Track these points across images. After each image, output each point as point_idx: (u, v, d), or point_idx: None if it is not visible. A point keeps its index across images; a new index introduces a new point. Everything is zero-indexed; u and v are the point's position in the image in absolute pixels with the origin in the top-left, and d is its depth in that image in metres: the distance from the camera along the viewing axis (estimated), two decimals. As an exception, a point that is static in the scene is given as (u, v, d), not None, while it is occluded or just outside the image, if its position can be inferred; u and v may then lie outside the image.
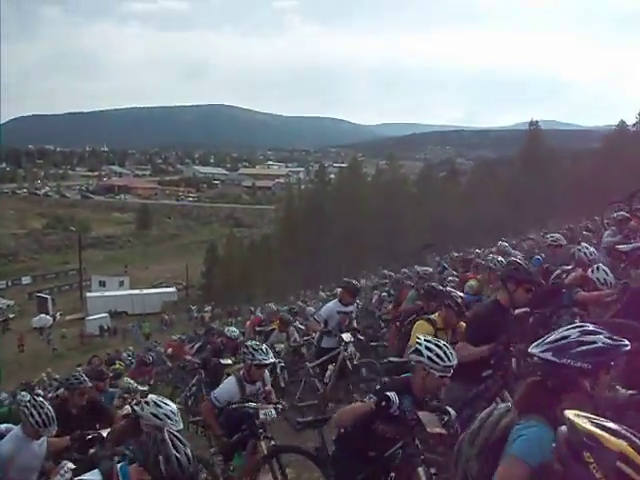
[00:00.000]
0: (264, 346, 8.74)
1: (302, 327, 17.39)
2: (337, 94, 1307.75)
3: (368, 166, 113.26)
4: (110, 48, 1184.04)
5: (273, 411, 8.41)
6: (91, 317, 71.32)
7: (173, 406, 6.31)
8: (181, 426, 6.17)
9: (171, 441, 3.99)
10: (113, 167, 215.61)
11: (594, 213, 26.57)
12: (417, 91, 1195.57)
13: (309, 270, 75.34)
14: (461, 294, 9.59)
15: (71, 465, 7.08)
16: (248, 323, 25.08)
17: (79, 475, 7.69)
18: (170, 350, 30.65)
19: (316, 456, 7.88)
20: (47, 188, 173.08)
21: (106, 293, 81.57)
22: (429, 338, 6.35)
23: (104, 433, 7.95)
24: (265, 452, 8.30)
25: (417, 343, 6.16)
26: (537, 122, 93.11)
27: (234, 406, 8.56)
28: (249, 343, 8.85)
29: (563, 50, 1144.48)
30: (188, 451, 4.03)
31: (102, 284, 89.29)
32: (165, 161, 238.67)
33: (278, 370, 14.17)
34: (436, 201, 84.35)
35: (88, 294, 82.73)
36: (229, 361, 13.60)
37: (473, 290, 11.89)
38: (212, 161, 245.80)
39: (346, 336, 11.99)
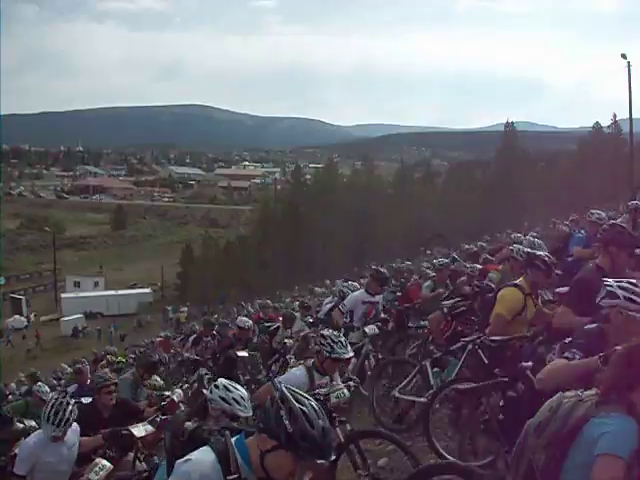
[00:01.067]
0: (343, 338, 7.96)
1: (312, 321, 16.92)
2: (313, 95, 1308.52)
3: (344, 167, 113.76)
4: (86, 47, 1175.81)
5: (346, 391, 7.54)
6: (66, 318, 71.01)
7: (243, 391, 6.22)
8: (250, 413, 6.14)
9: (292, 395, 3.49)
10: (88, 167, 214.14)
11: (569, 213, 26.82)
12: (393, 92, 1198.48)
13: (285, 270, 75.43)
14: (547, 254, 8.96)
15: (105, 462, 7.12)
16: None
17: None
18: (160, 348, 30.57)
19: (399, 440, 7.63)
20: (21, 188, 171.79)
21: (81, 294, 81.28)
22: (620, 280, 5.35)
23: (135, 430, 7.92)
24: (342, 439, 7.50)
25: (607, 286, 5.24)
26: (512, 123, 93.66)
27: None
28: (327, 333, 7.99)
29: (539, 53, 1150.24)
30: (314, 404, 3.51)
31: (77, 285, 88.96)
32: (140, 161, 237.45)
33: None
34: (412, 202, 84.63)
35: (63, 295, 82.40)
36: (244, 353, 13.14)
37: (494, 282, 11.28)
38: (188, 161, 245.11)
39: (369, 328, 11.37)
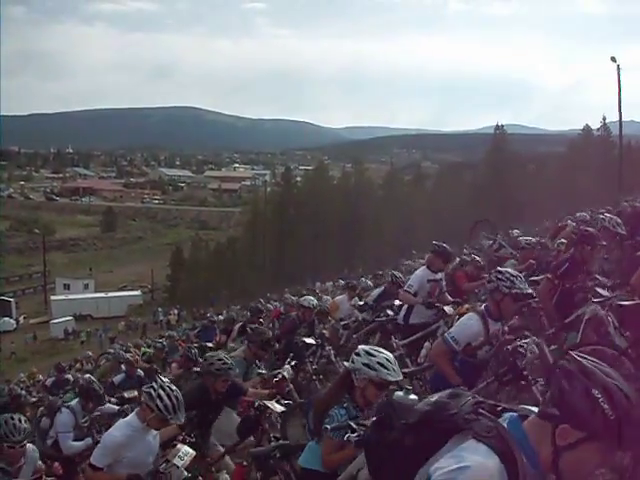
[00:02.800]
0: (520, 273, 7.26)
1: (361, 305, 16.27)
2: (303, 97, 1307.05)
3: (334, 169, 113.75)
4: (76, 49, 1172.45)
5: (534, 347, 6.83)
6: (56, 320, 70.88)
7: (388, 353, 5.81)
8: (401, 376, 5.81)
9: (596, 367, 2.58)
10: (78, 169, 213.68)
11: (559, 216, 26.96)
12: (383, 94, 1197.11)
13: (275, 273, 75.50)
14: None
15: (188, 449, 6.88)
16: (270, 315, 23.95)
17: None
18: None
19: None
20: (11, 190, 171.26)
21: (71, 296, 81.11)
22: None
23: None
24: None
25: None
26: (503, 126, 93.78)
27: (487, 350, 7.18)
28: (502, 269, 7.32)
29: (528, 55, 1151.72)
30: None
31: (66, 287, 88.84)
32: (130, 163, 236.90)
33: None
34: (402, 204, 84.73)
35: (52, 297, 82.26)
36: (311, 340, 12.09)
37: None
38: (178, 163, 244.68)
39: (448, 308, 10.79)
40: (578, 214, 16.81)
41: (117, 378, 14.03)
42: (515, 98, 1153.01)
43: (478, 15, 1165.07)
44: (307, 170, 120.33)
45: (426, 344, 10.66)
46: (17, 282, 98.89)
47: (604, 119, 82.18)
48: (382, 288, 14.40)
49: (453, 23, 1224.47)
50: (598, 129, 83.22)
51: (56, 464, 7.32)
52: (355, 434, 5.35)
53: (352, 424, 5.46)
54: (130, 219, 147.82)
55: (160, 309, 72.82)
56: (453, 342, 7.12)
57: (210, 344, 14.74)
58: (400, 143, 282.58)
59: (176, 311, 68.69)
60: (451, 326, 9.54)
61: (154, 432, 6.72)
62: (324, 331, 13.51)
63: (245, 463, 7.90)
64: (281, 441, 7.99)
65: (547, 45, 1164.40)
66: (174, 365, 14.77)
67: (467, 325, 7.20)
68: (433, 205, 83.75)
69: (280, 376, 8.96)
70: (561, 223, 20.11)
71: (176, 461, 6.63)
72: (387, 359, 5.63)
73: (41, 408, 13.64)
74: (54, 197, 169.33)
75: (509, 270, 7.17)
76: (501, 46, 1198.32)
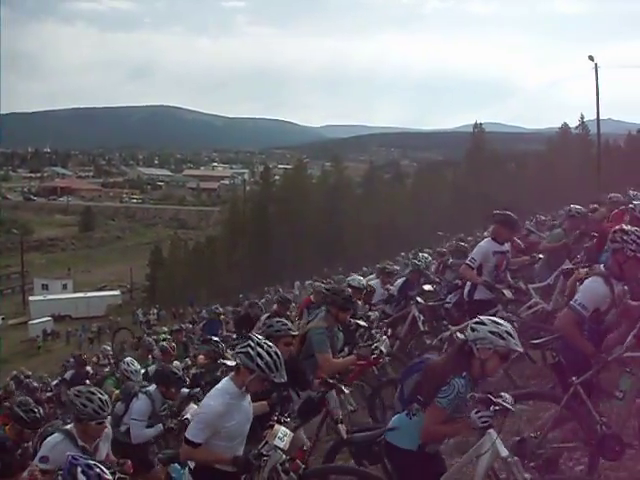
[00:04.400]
0: None
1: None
2: (282, 95, 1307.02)
3: (313, 168, 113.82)
4: (54, 48, 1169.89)
5: None
6: (34, 321, 70.47)
7: (506, 324, 5.51)
8: (521, 348, 5.57)
9: None
10: (56, 168, 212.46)
11: (536, 214, 26.99)
12: (362, 93, 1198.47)
13: (254, 271, 75.43)
14: None
15: (285, 429, 6.48)
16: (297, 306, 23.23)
17: None
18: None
19: None
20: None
21: (49, 296, 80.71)
22: None
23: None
24: None
25: None
26: (481, 124, 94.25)
27: (613, 313, 6.69)
28: (628, 228, 6.80)
29: (507, 54, 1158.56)
30: None
31: (45, 287, 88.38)
32: (109, 162, 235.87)
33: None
34: (381, 203, 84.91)
35: (31, 298, 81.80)
36: (364, 322, 11.05)
37: None
38: (156, 162, 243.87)
39: (507, 292, 10.33)
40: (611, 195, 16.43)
41: (151, 368, 13.47)
42: (494, 97, 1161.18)
43: (457, 14, 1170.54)
44: (286, 169, 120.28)
45: None
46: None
47: (582, 117, 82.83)
48: (404, 278, 13.99)
49: (432, 22, 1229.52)
50: (576, 127, 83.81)
51: (129, 462, 6.99)
52: (480, 415, 5.21)
53: (492, 398, 5.25)
54: (108, 219, 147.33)
55: (140, 310, 72.50)
56: (582, 309, 6.69)
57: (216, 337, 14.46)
58: (379, 141, 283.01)
59: (155, 311, 68.47)
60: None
61: (249, 398, 6.33)
62: (370, 313, 12.87)
63: (305, 447, 7.68)
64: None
65: (525, 44, 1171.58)
66: (201, 357, 14.49)
67: (593, 289, 6.77)
68: (413, 203, 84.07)
69: (378, 351, 8.72)
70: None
71: (277, 442, 6.29)
72: (511, 329, 5.44)
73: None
74: (32, 197, 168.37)
75: (637, 230, 6.68)
76: (480, 45, 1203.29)
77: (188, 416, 9.00)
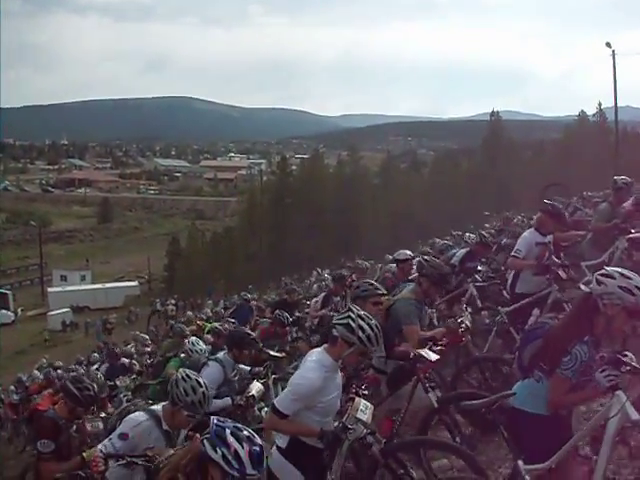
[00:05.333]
0: None
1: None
2: (299, 85, 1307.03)
3: (330, 157, 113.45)
4: (69, 40, 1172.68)
5: None
6: (53, 312, 70.78)
7: (638, 279, 5.03)
8: None
9: None
10: (73, 160, 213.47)
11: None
12: (379, 82, 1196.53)
13: (271, 261, 75.41)
14: None
15: (367, 402, 6.27)
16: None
17: None
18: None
19: None
20: (6, 182, 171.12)
21: (68, 288, 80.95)
22: None
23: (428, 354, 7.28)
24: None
25: None
26: (498, 112, 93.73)
27: None
28: None
29: (525, 41, 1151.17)
30: None
31: (63, 279, 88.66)
32: (126, 154, 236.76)
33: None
34: (398, 192, 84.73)
35: (50, 289, 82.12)
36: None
37: None
38: (173, 153, 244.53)
39: (562, 272, 10.04)
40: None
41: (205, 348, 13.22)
42: (511, 84, 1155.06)
43: (473, 2, 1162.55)
44: (303, 159, 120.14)
45: (535, 311, 9.87)
46: (14, 274, 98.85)
47: (600, 105, 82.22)
48: (467, 249, 13.49)
49: (448, 10, 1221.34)
50: (594, 115, 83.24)
51: (197, 435, 6.76)
52: (606, 374, 4.95)
53: (622, 358, 4.98)
54: (126, 210, 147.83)
55: (158, 300, 72.65)
56: None
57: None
58: (396, 131, 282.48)
59: (173, 301, 68.56)
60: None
61: (339, 372, 6.23)
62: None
63: (394, 417, 7.53)
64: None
65: (542, 31, 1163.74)
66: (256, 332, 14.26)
67: None
68: (430, 192, 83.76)
69: (464, 325, 8.51)
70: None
71: (360, 415, 6.09)
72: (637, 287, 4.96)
73: None
74: (50, 189, 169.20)
75: None
76: (496, 32, 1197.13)
77: (254, 393, 9.03)
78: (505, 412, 5.59)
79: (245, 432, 4.17)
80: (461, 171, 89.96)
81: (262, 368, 10.12)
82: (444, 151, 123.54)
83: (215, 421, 4.24)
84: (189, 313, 34.56)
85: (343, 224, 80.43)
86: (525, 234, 10.65)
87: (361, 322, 5.87)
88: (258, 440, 4.17)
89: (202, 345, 11.34)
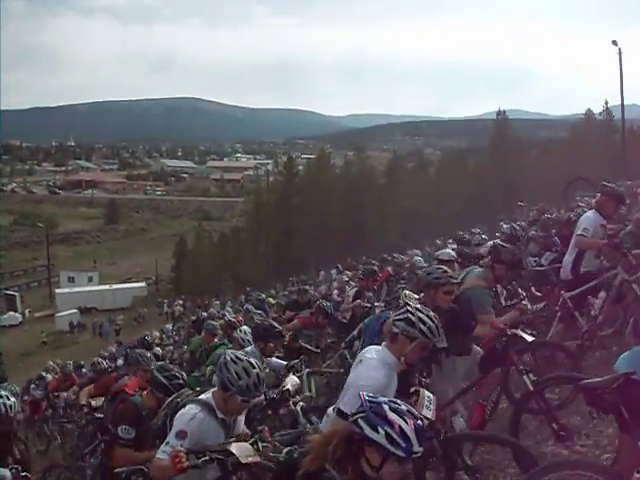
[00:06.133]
0: None
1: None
2: (305, 85, 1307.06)
3: (336, 157, 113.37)
4: (75, 42, 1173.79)
5: None
6: (61, 313, 70.95)
7: None
8: None
9: None
10: (80, 162, 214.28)
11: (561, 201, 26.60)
12: (385, 82, 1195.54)
13: (279, 262, 75.42)
14: None
15: (430, 394, 6.04)
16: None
17: None
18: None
19: None
20: (14, 184, 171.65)
21: (75, 289, 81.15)
22: None
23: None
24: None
25: None
26: (504, 111, 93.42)
27: None
28: None
29: (531, 40, 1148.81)
30: None
31: (71, 280, 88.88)
32: (132, 155, 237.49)
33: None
34: (405, 192, 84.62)
35: (57, 290, 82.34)
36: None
37: None
38: (180, 154, 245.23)
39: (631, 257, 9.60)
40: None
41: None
42: (517, 83, 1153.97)
43: (479, 0, 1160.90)
44: (309, 159, 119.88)
45: (601, 294, 9.63)
46: (21, 276, 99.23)
47: (606, 103, 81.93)
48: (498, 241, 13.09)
49: (453, 8, 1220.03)
50: (600, 113, 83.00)
51: (266, 428, 6.46)
52: None
53: None
54: (133, 211, 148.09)
55: (166, 301, 72.76)
56: None
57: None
58: (402, 130, 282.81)
59: (181, 302, 68.69)
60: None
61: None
62: None
63: (485, 402, 7.46)
64: None
65: (549, 29, 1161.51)
66: (295, 321, 14.04)
67: None
68: (436, 191, 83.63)
69: (526, 308, 8.31)
70: None
71: (425, 413, 5.79)
72: None
73: None
74: (57, 190, 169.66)
75: None
76: (503, 30, 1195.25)
77: (289, 387, 8.65)
78: (628, 389, 5.28)
79: (402, 405, 3.89)
80: (468, 170, 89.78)
81: (297, 360, 9.99)
82: (451, 150, 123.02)
83: (366, 398, 3.92)
84: (211, 311, 34.15)
85: (350, 224, 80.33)
86: (589, 214, 10.38)
87: (420, 315, 5.76)
88: (414, 411, 3.92)
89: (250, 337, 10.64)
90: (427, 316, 5.76)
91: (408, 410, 3.81)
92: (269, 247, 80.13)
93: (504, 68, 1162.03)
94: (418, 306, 5.93)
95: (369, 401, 3.84)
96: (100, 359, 15.61)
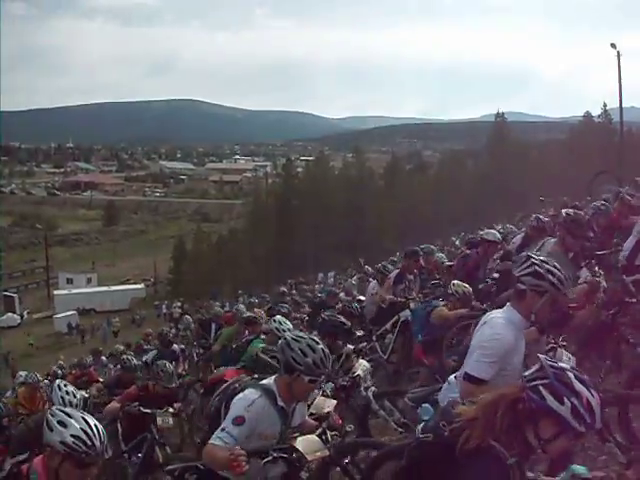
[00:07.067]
0: None
1: None
2: (303, 87, 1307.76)
3: (335, 159, 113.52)
4: (74, 44, 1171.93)
5: None
6: (59, 315, 70.94)
7: None
8: None
9: None
10: (79, 163, 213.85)
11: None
12: (383, 84, 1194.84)
13: (277, 264, 75.48)
14: None
15: (568, 353, 5.84)
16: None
17: None
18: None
19: None
20: (12, 185, 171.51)
21: (74, 290, 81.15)
22: None
23: None
24: None
25: None
26: (503, 114, 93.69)
27: None
28: None
29: (529, 42, 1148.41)
30: None
31: (69, 281, 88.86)
32: (131, 157, 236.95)
33: None
34: (403, 194, 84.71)
35: (56, 292, 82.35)
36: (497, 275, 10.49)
37: None
38: (179, 156, 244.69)
39: None
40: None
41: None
42: (516, 86, 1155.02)
43: (477, 3, 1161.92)
44: (308, 161, 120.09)
45: None
46: (20, 277, 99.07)
47: (605, 105, 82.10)
48: (523, 234, 12.70)
49: (453, 12, 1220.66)
50: (599, 115, 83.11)
51: (336, 415, 6.13)
52: None
53: None
54: (132, 213, 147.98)
55: (164, 303, 72.72)
56: None
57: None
58: (401, 132, 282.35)
59: (179, 304, 68.69)
60: None
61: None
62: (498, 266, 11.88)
63: None
64: None
65: (547, 32, 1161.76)
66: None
67: None
68: (435, 194, 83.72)
69: (602, 285, 8.06)
70: None
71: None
72: None
73: None
74: (55, 192, 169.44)
75: None
76: (501, 34, 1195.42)
77: (359, 372, 8.49)
78: None
79: (583, 374, 3.42)
80: (467, 172, 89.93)
81: (365, 344, 9.78)
82: (450, 153, 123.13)
83: (547, 361, 3.42)
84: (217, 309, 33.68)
85: (349, 226, 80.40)
86: None
87: (548, 266, 5.23)
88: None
89: (289, 324, 10.25)
90: (554, 267, 5.26)
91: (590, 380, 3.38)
92: (268, 249, 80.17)
93: (503, 71, 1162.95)
94: (542, 257, 5.43)
95: (551, 366, 3.37)
96: (130, 356, 15.11)
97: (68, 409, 4.37)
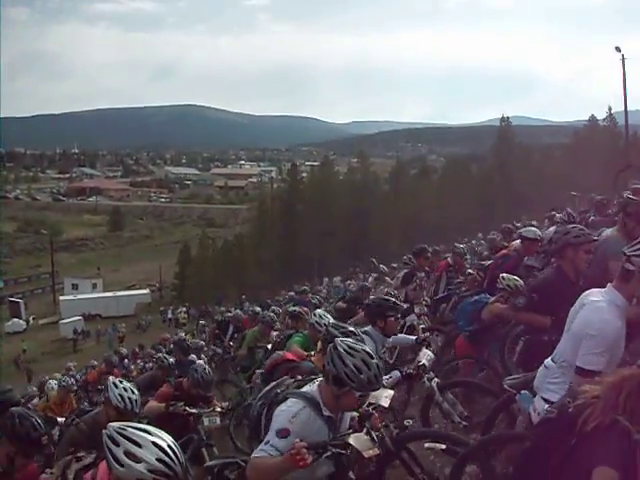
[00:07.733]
0: None
1: None
2: (308, 93, 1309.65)
3: (340, 164, 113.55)
4: (79, 49, 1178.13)
5: None
6: (65, 320, 70.90)
7: None
8: None
9: None
10: (84, 169, 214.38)
11: (565, 207, 26.54)
12: (388, 89, 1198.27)
13: (282, 269, 75.47)
14: None
15: None
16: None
17: None
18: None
19: None
20: (18, 191, 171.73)
21: (79, 296, 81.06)
22: None
23: None
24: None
25: None
26: (508, 118, 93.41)
27: None
28: None
29: (534, 46, 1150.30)
30: None
31: (75, 287, 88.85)
32: (136, 162, 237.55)
33: None
34: (408, 198, 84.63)
35: (61, 297, 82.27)
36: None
37: None
38: (184, 161, 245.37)
39: None
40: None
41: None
42: (520, 90, 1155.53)
43: (481, 7, 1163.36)
44: (313, 166, 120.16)
45: None
46: (25, 283, 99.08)
47: (610, 109, 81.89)
48: (555, 228, 12.20)
49: (456, 16, 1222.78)
50: (604, 119, 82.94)
51: (375, 414, 5.83)
52: None
53: None
54: (137, 218, 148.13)
55: (170, 308, 72.70)
56: None
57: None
58: (406, 137, 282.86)
59: (184, 309, 68.72)
60: None
61: None
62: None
63: None
64: None
65: (551, 36, 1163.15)
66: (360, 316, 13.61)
67: None
68: (440, 198, 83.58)
69: None
70: None
71: None
72: None
73: None
74: (61, 197, 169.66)
75: None
76: (505, 38, 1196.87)
77: (424, 362, 8.11)
78: None
79: None
80: (471, 177, 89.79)
81: (429, 334, 9.55)
82: (454, 157, 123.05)
83: None
84: (237, 312, 33.12)
85: (353, 231, 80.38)
86: None
87: None
88: None
89: (329, 318, 9.41)
90: None
91: None
92: (273, 254, 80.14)
93: (507, 75, 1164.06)
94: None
95: None
96: (166, 355, 14.77)
97: (128, 429, 3.52)
